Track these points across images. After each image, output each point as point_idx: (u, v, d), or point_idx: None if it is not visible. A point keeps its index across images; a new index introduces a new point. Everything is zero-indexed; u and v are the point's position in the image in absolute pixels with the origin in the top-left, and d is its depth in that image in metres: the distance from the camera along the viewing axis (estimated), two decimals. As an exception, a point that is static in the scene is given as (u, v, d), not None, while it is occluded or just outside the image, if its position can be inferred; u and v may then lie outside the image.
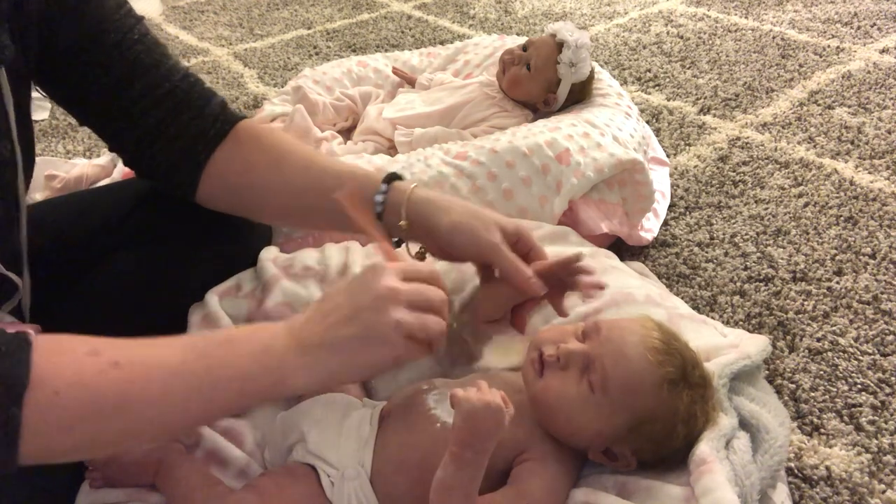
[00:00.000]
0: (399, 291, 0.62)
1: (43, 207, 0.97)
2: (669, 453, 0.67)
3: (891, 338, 1.06)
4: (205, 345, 0.60)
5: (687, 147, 1.57)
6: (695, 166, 1.50)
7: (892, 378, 1.00)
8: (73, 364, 0.54)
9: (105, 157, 1.41)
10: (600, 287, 0.80)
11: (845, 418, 0.95)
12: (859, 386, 0.99)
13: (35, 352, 0.53)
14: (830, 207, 1.35)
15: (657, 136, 1.60)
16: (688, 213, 1.37)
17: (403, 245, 0.82)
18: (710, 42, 2.06)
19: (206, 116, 0.83)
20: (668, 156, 1.52)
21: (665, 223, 1.34)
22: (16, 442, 0.50)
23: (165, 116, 0.82)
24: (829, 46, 1.98)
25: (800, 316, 1.12)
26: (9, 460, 0.51)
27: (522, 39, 1.45)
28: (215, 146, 0.83)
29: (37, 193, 1.30)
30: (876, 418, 0.95)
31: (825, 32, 2.08)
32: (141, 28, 0.82)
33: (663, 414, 0.65)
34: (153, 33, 0.83)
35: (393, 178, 0.80)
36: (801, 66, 1.89)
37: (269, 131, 0.89)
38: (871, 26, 2.09)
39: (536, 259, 0.78)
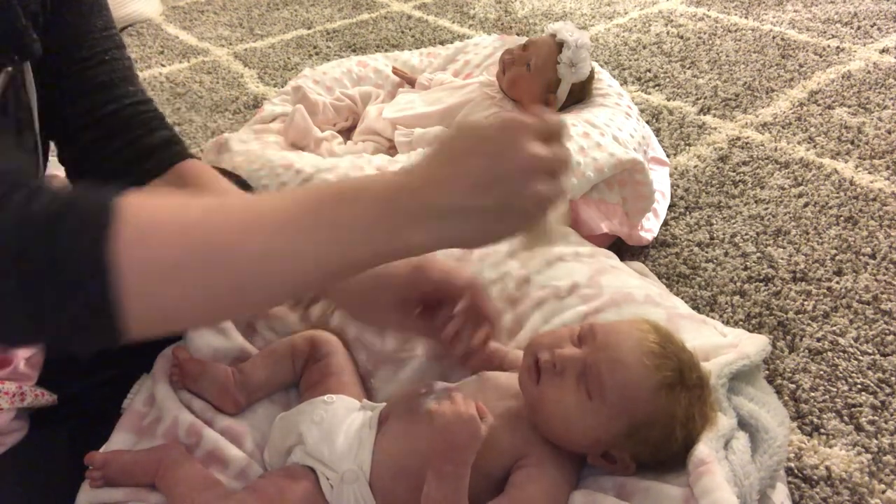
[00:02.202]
0: (542, 160, 0.53)
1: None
2: (668, 456, 0.66)
3: (891, 338, 1.06)
4: (317, 201, 0.53)
5: (687, 147, 1.57)
6: (695, 166, 1.50)
7: (892, 378, 1.00)
8: (167, 207, 0.50)
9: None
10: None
11: (845, 418, 0.95)
12: (859, 386, 0.99)
13: (124, 197, 0.48)
14: (830, 207, 1.35)
15: (657, 136, 1.60)
16: (688, 213, 1.37)
17: None
18: (710, 42, 2.06)
19: (142, 146, 0.81)
20: (668, 156, 1.52)
21: (665, 223, 1.34)
22: (109, 279, 0.45)
23: (100, 138, 0.80)
24: (829, 46, 1.98)
25: (800, 316, 1.12)
26: (110, 304, 0.45)
27: (522, 39, 1.45)
28: (149, 178, 0.81)
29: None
30: (876, 418, 0.95)
31: (825, 32, 2.08)
32: (115, 53, 0.81)
33: (661, 418, 0.65)
34: (130, 62, 0.82)
35: None
36: (801, 66, 1.89)
37: (210, 174, 0.83)
38: (871, 26, 2.09)
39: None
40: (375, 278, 0.69)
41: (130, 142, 0.81)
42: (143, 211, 0.48)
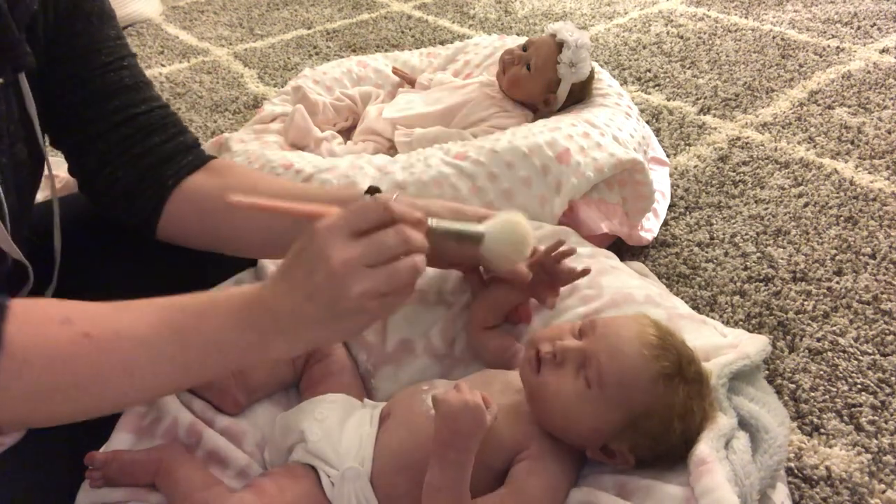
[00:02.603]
0: (352, 259, 0.55)
1: (42, 208, 0.97)
2: (667, 450, 0.67)
3: (891, 338, 1.06)
4: (181, 315, 0.58)
5: (687, 147, 1.57)
6: (695, 166, 1.50)
7: (892, 378, 1.00)
8: (46, 334, 0.54)
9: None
10: (584, 273, 0.80)
11: (845, 418, 0.95)
12: (859, 386, 0.99)
13: (9, 320, 0.53)
14: (830, 207, 1.35)
15: (657, 136, 1.60)
16: (688, 213, 1.37)
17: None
18: (710, 42, 2.06)
19: (179, 143, 0.83)
20: (668, 156, 1.52)
21: (665, 223, 1.34)
22: None
23: (135, 134, 0.81)
24: (829, 46, 1.98)
25: (800, 316, 1.12)
26: None
27: (522, 39, 1.45)
28: (188, 173, 0.83)
29: (38, 193, 1.30)
30: (876, 418, 0.95)
31: (825, 32, 2.08)
32: (131, 60, 0.83)
33: (659, 409, 0.65)
34: (141, 69, 0.84)
35: (373, 190, 0.78)
36: (801, 66, 1.89)
37: (241, 166, 0.88)
38: (871, 26, 2.09)
39: None
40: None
41: (169, 138, 0.83)
42: (23, 340, 0.53)
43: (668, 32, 2.15)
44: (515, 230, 0.72)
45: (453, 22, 2.33)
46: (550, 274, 0.81)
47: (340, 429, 0.72)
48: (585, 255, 0.98)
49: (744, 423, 0.69)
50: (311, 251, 0.57)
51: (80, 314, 0.56)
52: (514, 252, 0.72)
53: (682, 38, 2.11)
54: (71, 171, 0.86)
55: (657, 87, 1.84)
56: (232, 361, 0.59)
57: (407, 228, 0.57)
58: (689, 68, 1.92)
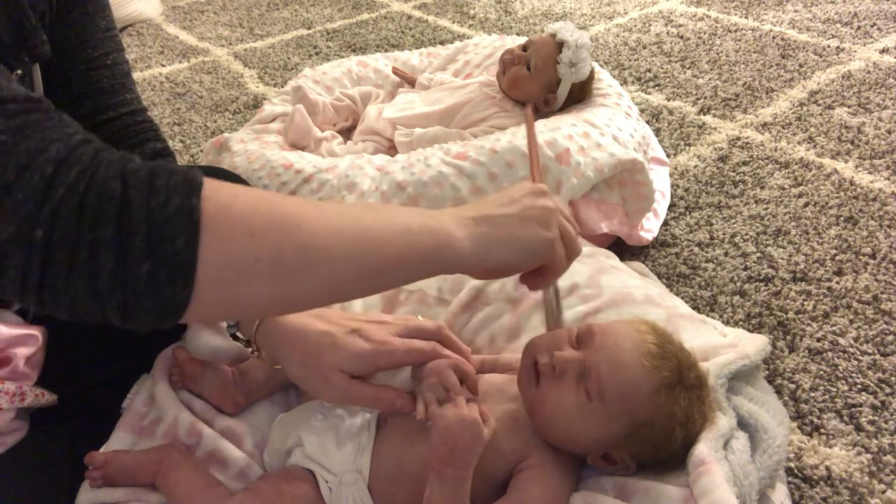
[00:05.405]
0: (552, 196, 0.67)
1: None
2: (668, 456, 0.66)
3: (891, 338, 1.06)
4: (367, 204, 0.59)
5: (687, 147, 1.57)
6: (695, 166, 1.50)
7: (892, 378, 1.00)
8: (245, 188, 0.52)
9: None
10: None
11: (845, 418, 0.95)
12: (859, 386, 0.99)
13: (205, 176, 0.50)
14: (830, 207, 1.35)
15: (657, 136, 1.60)
16: (688, 213, 1.37)
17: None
18: (710, 42, 2.06)
19: (137, 154, 0.82)
20: (668, 156, 1.52)
21: (665, 223, 1.34)
22: (197, 235, 0.46)
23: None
24: (829, 46, 1.98)
25: (800, 316, 1.12)
26: (192, 259, 0.46)
27: (522, 39, 1.45)
28: None
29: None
30: (876, 418, 0.95)
31: (825, 32, 2.08)
32: (116, 56, 0.82)
33: (661, 418, 0.65)
34: (128, 66, 0.83)
35: None
36: (801, 66, 1.89)
37: None
38: (871, 26, 2.09)
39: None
40: (334, 351, 0.69)
41: (127, 150, 0.81)
42: (224, 187, 0.50)
43: (668, 32, 2.15)
44: None
45: (453, 22, 2.33)
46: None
47: (338, 434, 0.72)
48: (585, 255, 0.98)
49: (743, 423, 0.69)
50: (510, 188, 0.67)
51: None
52: None
53: (682, 38, 2.11)
54: None
55: (657, 87, 1.84)
56: (422, 252, 0.58)
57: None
58: (689, 68, 1.92)
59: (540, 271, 0.66)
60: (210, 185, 0.48)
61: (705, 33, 2.12)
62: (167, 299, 0.46)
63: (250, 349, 0.77)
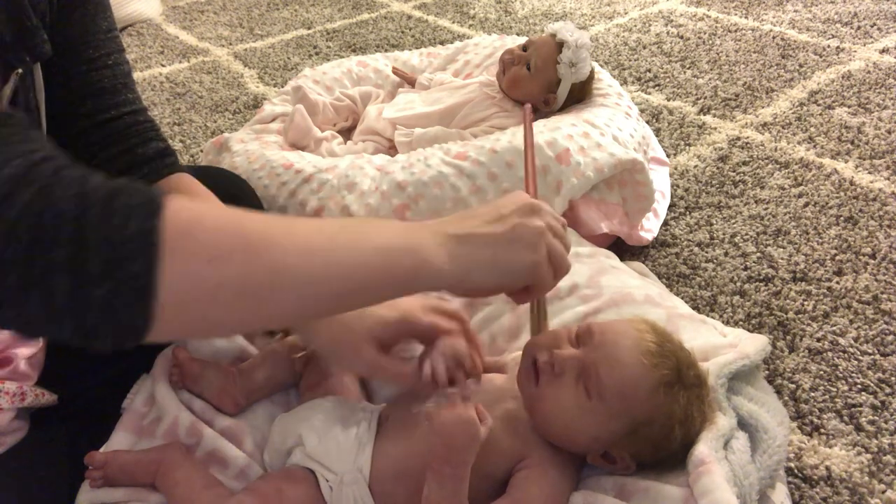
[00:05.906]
0: (545, 210, 0.64)
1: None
2: (667, 454, 0.67)
3: (891, 338, 1.06)
4: (342, 222, 0.58)
5: (687, 147, 1.57)
6: (695, 166, 1.50)
7: (892, 378, 1.00)
8: (211, 207, 0.52)
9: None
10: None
11: (845, 418, 0.95)
12: (859, 386, 0.99)
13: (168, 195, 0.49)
14: (830, 207, 1.35)
15: (657, 136, 1.60)
16: (688, 213, 1.37)
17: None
18: (710, 42, 2.06)
19: (136, 155, 0.82)
20: (668, 156, 1.52)
21: (665, 223, 1.34)
22: (155, 257, 0.45)
23: (97, 142, 0.81)
24: (829, 46, 1.98)
25: (800, 316, 1.12)
26: (150, 282, 0.45)
27: (522, 39, 1.45)
28: None
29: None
30: (876, 418, 0.95)
31: (825, 32, 2.08)
32: (117, 57, 0.82)
33: (660, 417, 0.65)
34: (129, 67, 0.83)
35: None
36: (801, 66, 1.89)
37: (206, 196, 0.83)
38: (871, 26, 2.09)
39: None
40: (361, 319, 0.71)
41: (126, 150, 0.82)
42: (187, 204, 0.49)
43: (668, 32, 2.15)
44: None
45: (453, 22, 2.33)
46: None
47: (338, 433, 0.72)
48: (585, 255, 0.98)
49: (743, 423, 0.69)
50: (502, 198, 0.65)
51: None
52: None
53: (682, 38, 2.11)
54: None
55: (657, 87, 1.84)
56: (399, 273, 0.57)
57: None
58: (689, 68, 1.92)
59: (526, 289, 0.65)
60: (173, 206, 0.47)
61: (705, 33, 2.12)
62: (125, 322, 0.45)
63: (273, 335, 0.77)
